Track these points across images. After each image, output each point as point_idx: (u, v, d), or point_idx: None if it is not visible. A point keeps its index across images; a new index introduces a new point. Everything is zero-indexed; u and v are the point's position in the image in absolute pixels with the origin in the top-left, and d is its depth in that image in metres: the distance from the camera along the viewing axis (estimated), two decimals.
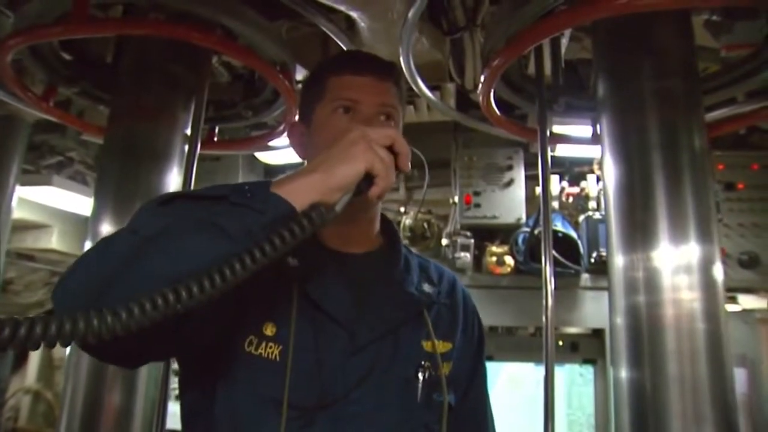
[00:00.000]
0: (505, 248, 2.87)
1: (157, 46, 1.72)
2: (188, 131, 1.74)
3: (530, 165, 2.99)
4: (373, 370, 0.97)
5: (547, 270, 1.65)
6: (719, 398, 1.21)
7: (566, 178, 3.05)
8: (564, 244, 2.71)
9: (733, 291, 2.66)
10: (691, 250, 1.29)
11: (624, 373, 1.33)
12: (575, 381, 2.91)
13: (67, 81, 1.98)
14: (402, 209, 3.31)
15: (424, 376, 1.00)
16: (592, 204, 2.87)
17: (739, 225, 2.68)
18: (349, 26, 1.81)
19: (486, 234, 3.00)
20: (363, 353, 0.97)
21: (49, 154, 3.18)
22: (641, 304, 1.32)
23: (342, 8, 1.63)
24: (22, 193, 2.86)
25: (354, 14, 1.68)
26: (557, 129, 2.11)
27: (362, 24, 1.74)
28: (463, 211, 2.93)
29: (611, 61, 1.49)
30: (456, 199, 2.98)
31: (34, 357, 5.97)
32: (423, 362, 1.01)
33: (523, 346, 2.94)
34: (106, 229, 1.63)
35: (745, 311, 2.67)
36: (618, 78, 1.45)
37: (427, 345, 1.04)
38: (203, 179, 2.03)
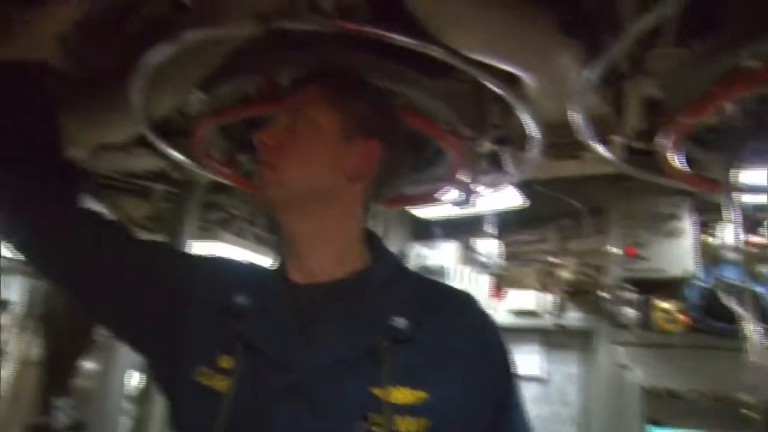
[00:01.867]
0: (675, 303, 2.66)
1: None
2: None
3: (697, 212, 2.78)
4: (304, 417, 0.86)
5: (744, 329, 1.50)
6: None
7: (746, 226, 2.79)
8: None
9: None
10: None
11: None
12: None
13: (246, 148, 2.14)
14: (554, 260, 3.20)
15: (369, 430, 0.84)
16: None
17: None
18: (511, 80, 1.80)
19: (650, 287, 2.81)
20: (295, 396, 0.87)
21: (216, 212, 3.45)
22: None
23: (510, 69, 1.62)
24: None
25: (521, 73, 1.67)
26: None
27: (528, 80, 1.72)
28: (625, 263, 2.77)
29: None
30: (616, 250, 2.82)
31: None
32: (371, 413, 0.84)
33: (700, 412, 2.68)
34: None
35: None
36: None
37: (379, 392, 0.86)
38: None
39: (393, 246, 3.23)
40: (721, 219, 2.50)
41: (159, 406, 2.88)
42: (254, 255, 3.42)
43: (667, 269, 2.70)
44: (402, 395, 0.86)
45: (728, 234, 2.66)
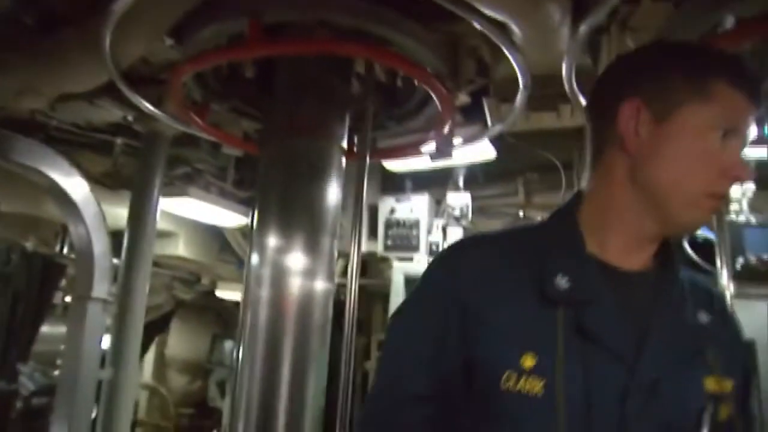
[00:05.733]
0: None
1: (314, 61, 1.77)
2: (344, 143, 1.79)
3: None
4: (651, 413, 0.83)
5: None
6: None
7: None
8: (704, 248, 2.59)
9: None
10: None
11: None
12: None
13: (219, 98, 2.08)
14: (521, 213, 3.27)
15: (707, 421, 0.85)
16: (734, 207, 2.71)
17: None
18: (499, 29, 1.78)
19: None
20: (641, 393, 0.83)
21: (181, 166, 3.35)
22: None
23: (500, 18, 1.61)
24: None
25: (510, 22, 1.66)
26: None
27: (516, 30, 1.71)
28: None
29: None
30: None
31: (150, 355, 6.34)
32: (705, 405, 0.86)
33: None
34: (272, 241, 1.69)
35: None
36: None
37: (709, 383, 0.88)
38: None
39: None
40: None
41: (131, 367, 2.84)
42: (221, 210, 3.37)
43: None
44: (719, 385, 0.88)
45: None
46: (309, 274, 1.68)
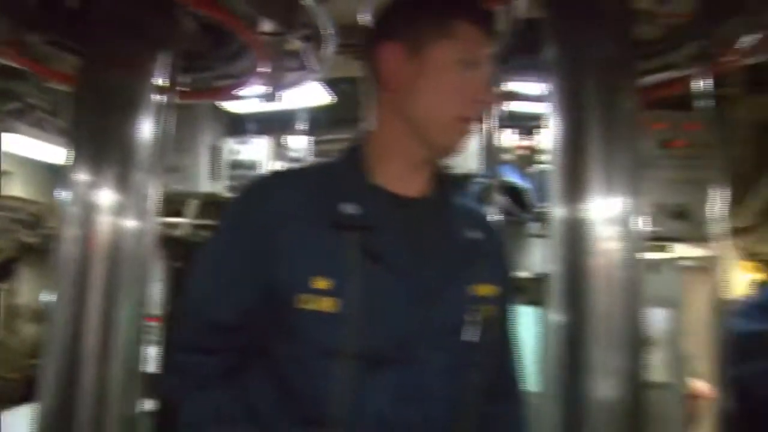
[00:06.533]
0: None
1: None
2: (160, 81, 1.80)
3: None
4: (430, 317, 1.00)
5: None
6: (632, 333, 1.41)
7: (520, 131, 3.17)
8: (515, 194, 2.88)
9: (668, 240, 2.84)
10: (619, 203, 1.43)
11: (555, 314, 1.49)
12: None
13: (33, 29, 1.98)
14: None
15: (473, 320, 1.03)
16: (545, 157, 3.00)
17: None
18: None
19: None
20: (422, 302, 1.00)
21: (9, 101, 3.15)
22: (573, 253, 1.46)
23: None
24: None
25: None
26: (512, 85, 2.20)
27: None
28: None
29: (558, 24, 1.60)
30: None
31: None
32: (472, 306, 1.04)
33: None
34: (83, 177, 1.69)
35: (676, 258, 2.87)
36: (562, 41, 1.57)
37: (477, 289, 1.07)
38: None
39: (205, 141, 3.22)
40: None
41: None
42: (54, 147, 3.22)
43: (456, 168, 3.00)
44: (485, 290, 1.08)
45: (505, 138, 3.03)
46: (120, 210, 1.69)
